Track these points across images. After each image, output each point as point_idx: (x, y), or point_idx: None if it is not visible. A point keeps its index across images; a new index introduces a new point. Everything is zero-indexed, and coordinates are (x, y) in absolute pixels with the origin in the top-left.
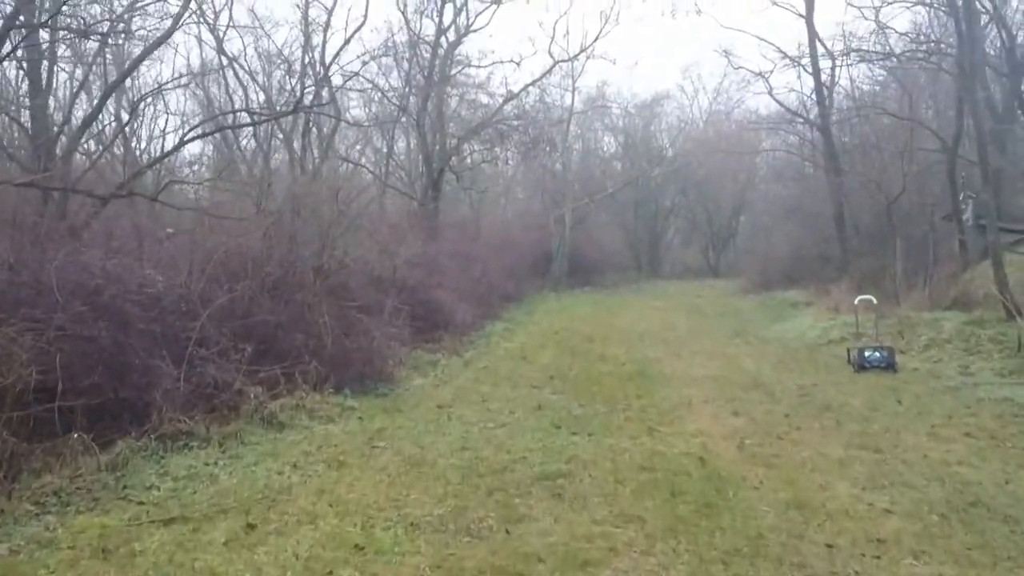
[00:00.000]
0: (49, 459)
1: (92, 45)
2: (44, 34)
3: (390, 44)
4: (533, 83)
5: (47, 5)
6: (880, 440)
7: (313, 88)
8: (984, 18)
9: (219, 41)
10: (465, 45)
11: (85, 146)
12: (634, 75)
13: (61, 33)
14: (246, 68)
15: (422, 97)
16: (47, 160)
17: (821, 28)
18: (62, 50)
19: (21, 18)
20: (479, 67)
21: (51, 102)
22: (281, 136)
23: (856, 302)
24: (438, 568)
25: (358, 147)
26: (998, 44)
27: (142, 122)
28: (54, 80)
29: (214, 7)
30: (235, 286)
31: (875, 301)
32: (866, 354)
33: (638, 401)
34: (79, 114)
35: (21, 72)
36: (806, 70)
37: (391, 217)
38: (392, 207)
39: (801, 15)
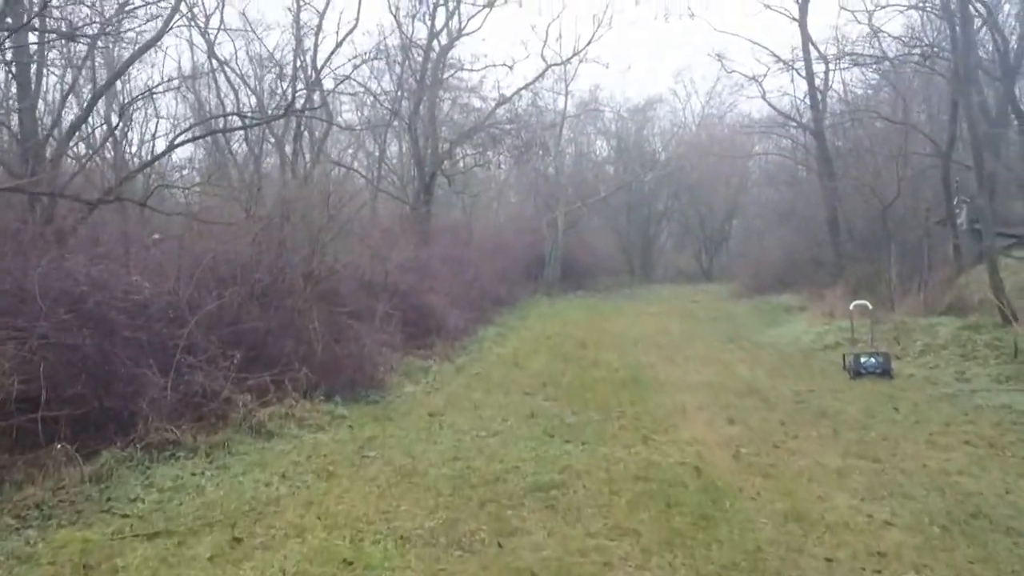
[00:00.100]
0: (31, 470)
1: (82, 48)
2: (33, 37)
3: (382, 47)
4: (526, 87)
5: (36, 8)
6: (878, 449)
7: (304, 92)
8: (977, 22)
9: (210, 45)
10: (457, 49)
11: (74, 150)
12: (627, 79)
13: (49, 36)
14: (237, 72)
15: (414, 101)
16: (35, 164)
17: (814, 32)
18: (52, 54)
19: (8, 20)
20: (471, 71)
21: (41, 106)
22: (273, 140)
23: (851, 307)
24: None
25: (350, 151)
26: (991, 48)
27: (132, 126)
28: (43, 83)
29: (205, 10)
30: (224, 292)
31: (870, 306)
32: (862, 360)
33: (632, 408)
34: (69, 118)
35: (9, 75)
36: (799, 74)
37: (383, 221)
38: (384, 211)
39: (794, 19)
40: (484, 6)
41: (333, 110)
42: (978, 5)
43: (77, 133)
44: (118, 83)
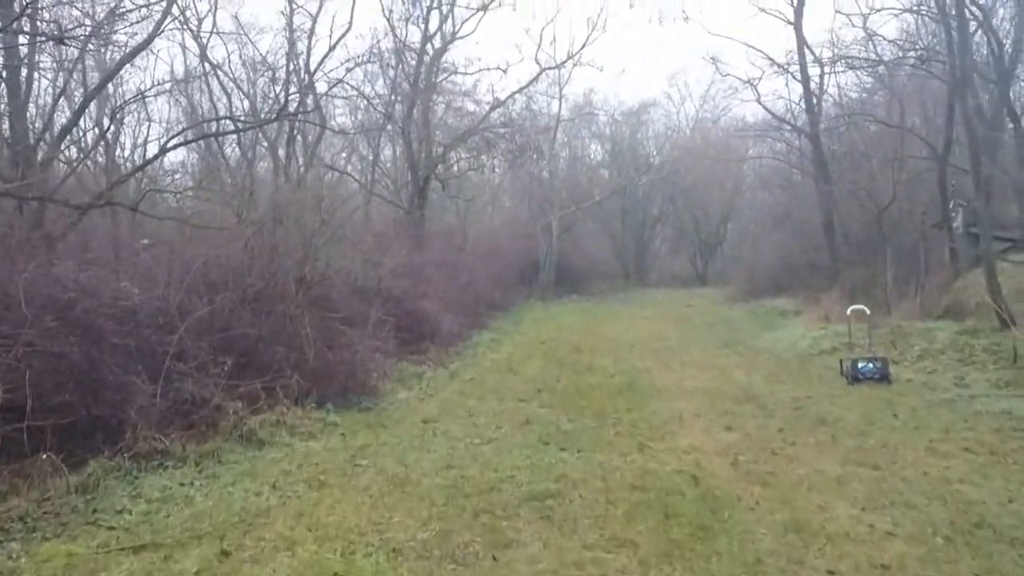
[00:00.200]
0: (16, 481)
1: (73, 52)
2: (23, 40)
3: (375, 51)
4: (520, 90)
5: (24, 11)
6: (878, 456)
7: (298, 95)
8: (972, 25)
9: (203, 48)
10: (451, 52)
11: (65, 154)
12: (621, 83)
13: (38, 38)
14: (230, 75)
15: (408, 104)
16: (25, 168)
17: (809, 36)
18: (44, 57)
19: None
20: (465, 74)
21: (33, 109)
22: (266, 144)
23: (849, 312)
24: None
25: (343, 155)
26: (985, 51)
27: (124, 130)
28: (35, 87)
29: (197, 14)
30: (215, 298)
31: (868, 311)
32: (859, 365)
33: (628, 415)
34: (61, 121)
35: None
36: (795, 77)
37: (376, 226)
38: (378, 216)
39: (789, 22)
40: (477, 9)
41: (327, 114)
42: (973, 8)
43: (68, 137)
44: (111, 87)
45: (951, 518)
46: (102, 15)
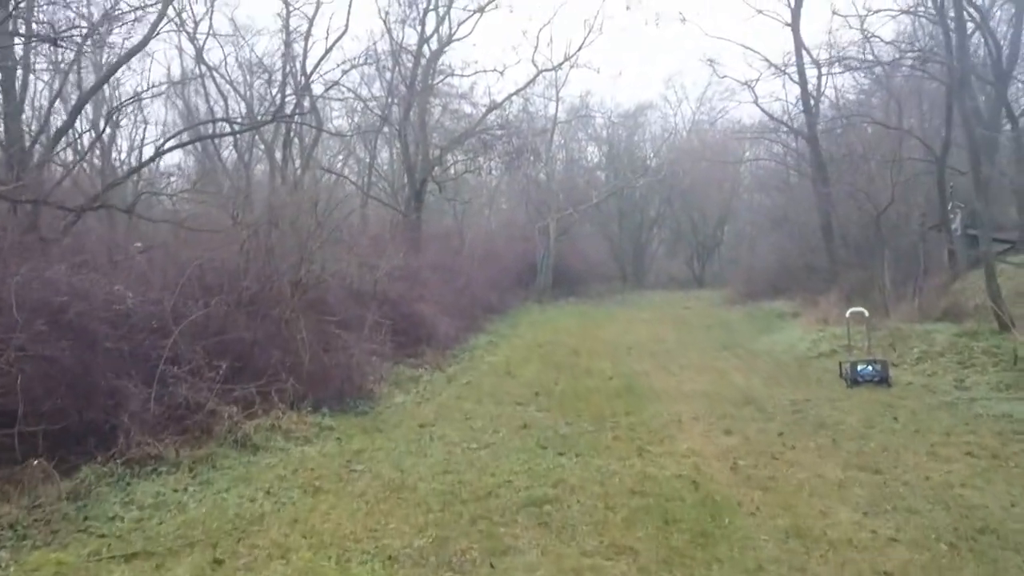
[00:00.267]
0: (7, 488)
1: (69, 54)
2: (18, 41)
3: (372, 53)
4: (517, 92)
5: (23, 14)
6: (879, 460)
7: (294, 97)
8: (969, 27)
9: (199, 51)
10: (448, 55)
11: (62, 157)
12: (618, 85)
13: (33, 40)
14: (226, 78)
15: (404, 107)
16: (20, 170)
17: (807, 37)
18: (40, 60)
19: None
20: (462, 76)
21: (29, 112)
22: (263, 147)
23: (848, 314)
24: None
25: (340, 158)
26: (982, 53)
27: (121, 133)
28: (32, 89)
29: (193, 16)
30: (210, 301)
31: (867, 314)
32: (859, 368)
33: (626, 419)
34: (58, 124)
35: None
36: (792, 79)
37: (373, 229)
38: (375, 218)
39: (787, 24)
40: (474, 11)
41: (324, 117)
42: (971, 10)
43: (64, 139)
44: (107, 90)
45: (954, 523)
46: (97, 17)
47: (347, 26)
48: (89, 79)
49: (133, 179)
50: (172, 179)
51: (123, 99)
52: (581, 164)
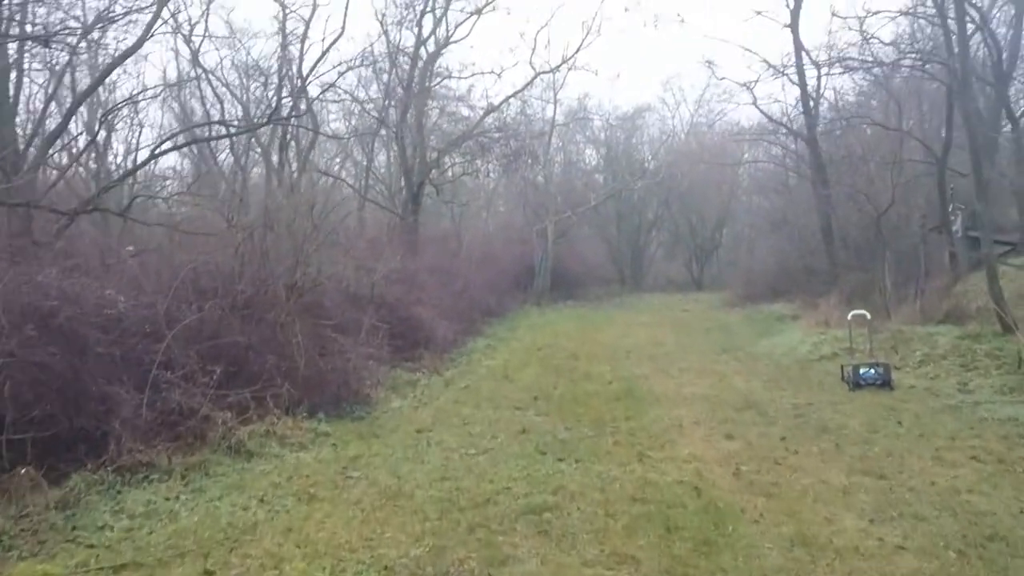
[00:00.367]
0: None
1: (63, 56)
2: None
3: (368, 55)
4: (514, 95)
5: (17, 16)
6: (883, 465)
7: (290, 99)
8: (969, 27)
9: (195, 54)
10: (445, 58)
11: (56, 159)
12: (615, 87)
13: (27, 42)
14: (223, 80)
15: (401, 109)
16: (13, 173)
17: (806, 39)
18: (38, 65)
19: None
20: (460, 78)
21: (24, 115)
22: (259, 150)
23: (850, 317)
24: None
25: (337, 161)
26: (982, 54)
27: (116, 136)
28: (26, 92)
29: (189, 19)
30: (204, 305)
31: (869, 316)
32: (861, 371)
33: (626, 423)
34: (52, 127)
35: None
36: (791, 80)
37: (370, 232)
38: (372, 221)
39: (786, 25)
40: (471, 13)
41: (321, 120)
42: (971, 11)
43: (59, 142)
44: (103, 93)
45: (962, 531)
46: (91, 19)
47: (344, 28)
48: (84, 82)
49: (128, 183)
50: (167, 183)
51: (119, 102)
52: (579, 167)
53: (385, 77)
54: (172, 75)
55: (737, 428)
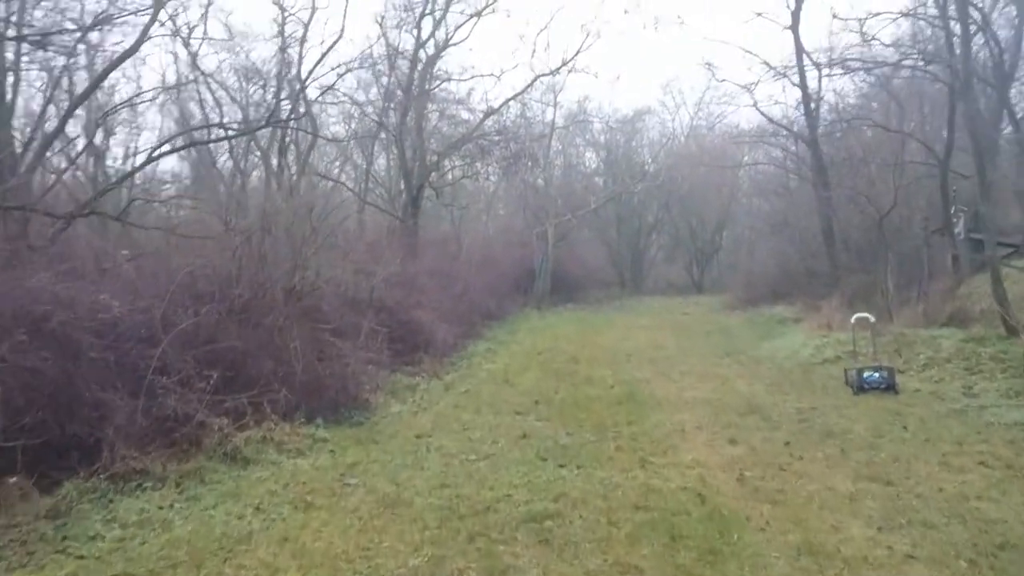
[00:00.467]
0: None
1: (61, 59)
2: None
3: (367, 56)
4: (514, 97)
5: (14, 18)
6: (890, 471)
7: (289, 102)
8: (971, 28)
9: (194, 57)
10: (445, 60)
11: (55, 163)
12: (615, 90)
13: (23, 45)
14: (222, 84)
15: (401, 112)
16: (10, 176)
17: (806, 42)
18: (34, 67)
19: None
20: (460, 80)
21: (24, 119)
22: (259, 153)
23: (853, 320)
24: None
25: (337, 164)
26: (984, 55)
27: (114, 140)
28: (25, 95)
29: (188, 22)
30: (200, 309)
31: (873, 319)
32: (865, 375)
33: (628, 428)
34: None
35: None
36: (792, 82)
37: (370, 235)
38: (372, 225)
39: (787, 27)
40: (471, 15)
41: (321, 123)
42: (972, 12)
43: (56, 144)
44: (102, 98)
45: (973, 539)
46: (88, 24)
47: (343, 31)
48: (83, 86)
49: (127, 186)
50: (166, 187)
51: (116, 105)
52: (579, 169)
53: (384, 80)
54: (171, 79)
55: (740, 433)
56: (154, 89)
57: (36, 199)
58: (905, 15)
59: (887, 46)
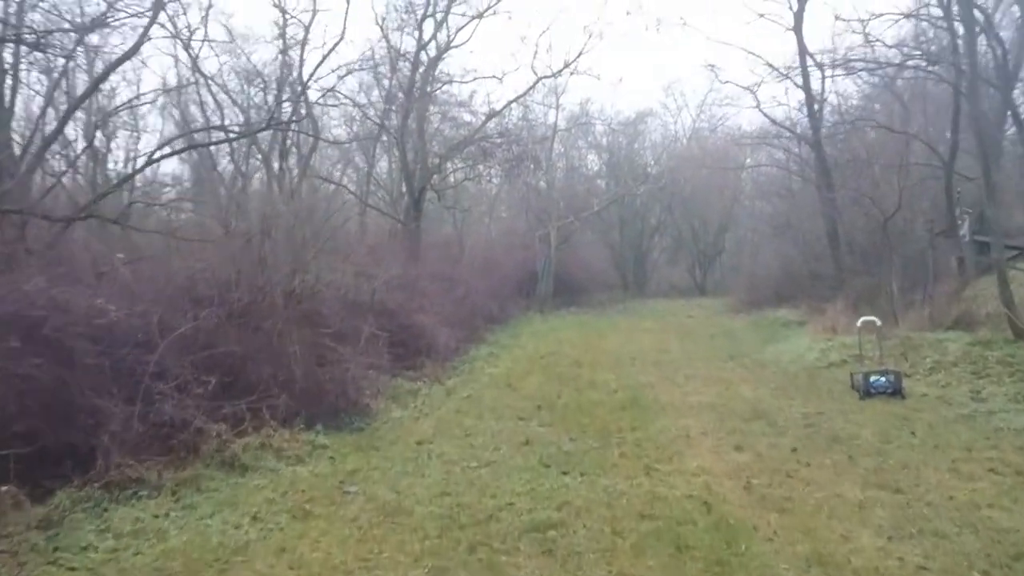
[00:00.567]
0: None
1: (60, 62)
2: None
3: (368, 59)
4: (516, 99)
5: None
6: (899, 478)
7: (291, 105)
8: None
9: (195, 60)
10: (447, 62)
11: (54, 166)
12: (617, 92)
13: (21, 47)
14: (223, 87)
15: (402, 114)
16: (7, 179)
17: (809, 43)
18: (34, 70)
19: None
20: (462, 83)
21: (24, 122)
22: (260, 156)
23: (859, 324)
24: None
25: (339, 167)
26: (987, 56)
27: (115, 144)
28: (24, 98)
29: (188, 25)
30: (199, 314)
31: (879, 323)
32: (872, 379)
33: (632, 434)
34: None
35: None
36: (795, 83)
37: (371, 238)
38: (373, 227)
39: (789, 28)
40: (472, 17)
41: (323, 126)
42: (976, 12)
43: (56, 147)
44: (106, 102)
45: (986, 549)
46: (86, 26)
47: (344, 33)
48: (83, 88)
49: (127, 189)
50: (167, 190)
51: (116, 107)
52: (581, 172)
53: (386, 82)
54: (172, 82)
55: (746, 439)
56: (154, 91)
57: (35, 202)
58: (908, 16)
59: (890, 47)
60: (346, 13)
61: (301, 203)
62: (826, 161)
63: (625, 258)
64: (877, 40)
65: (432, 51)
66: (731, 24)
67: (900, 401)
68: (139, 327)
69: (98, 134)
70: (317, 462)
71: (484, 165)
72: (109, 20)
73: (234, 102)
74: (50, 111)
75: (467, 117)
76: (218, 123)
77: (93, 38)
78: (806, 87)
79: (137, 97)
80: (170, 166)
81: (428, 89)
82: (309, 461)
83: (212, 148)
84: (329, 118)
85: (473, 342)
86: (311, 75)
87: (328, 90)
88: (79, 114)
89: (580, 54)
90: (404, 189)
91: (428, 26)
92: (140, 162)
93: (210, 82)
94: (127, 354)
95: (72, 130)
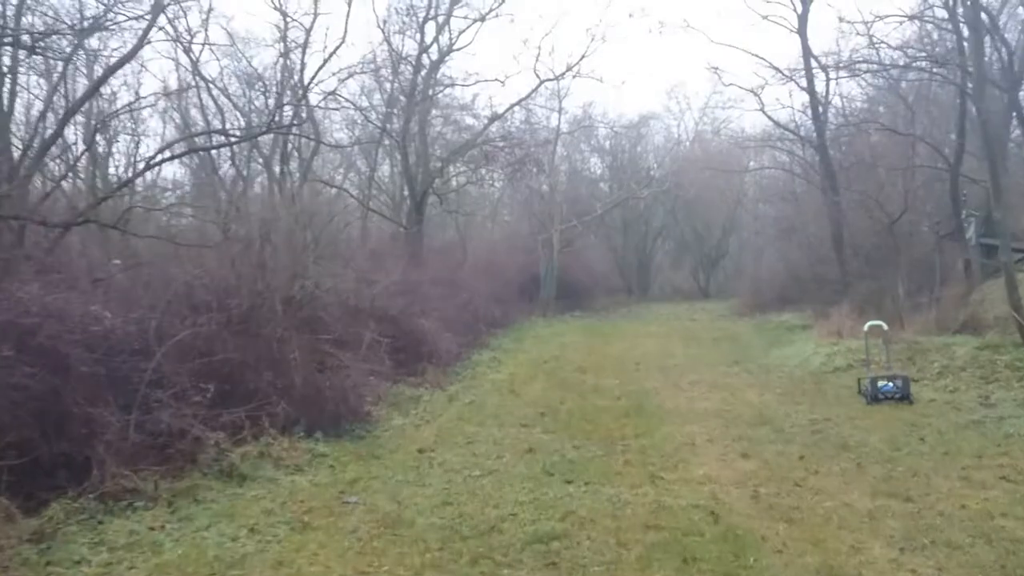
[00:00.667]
0: None
1: (58, 65)
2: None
3: (369, 61)
4: (519, 103)
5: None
6: (909, 486)
7: (292, 108)
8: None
9: (195, 63)
10: (448, 66)
11: (53, 170)
12: (620, 95)
13: (19, 50)
14: (223, 90)
15: (404, 118)
16: (5, 184)
17: (813, 46)
18: (33, 74)
19: None
20: (464, 86)
21: (23, 127)
22: (261, 160)
23: (866, 328)
24: None
25: (340, 171)
26: (992, 58)
27: (115, 148)
28: (24, 102)
29: (189, 28)
30: (197, 320)
31: (885, 327)
32: (879, 384)
33: (637, 441)
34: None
35: None
36: (799, 85)
37: (373, 242)
38: (375, 232)
39: (793, 30)
40: (474, 20)
41: (324, 129)
42: (982, 14)
43: (54, 151)
44: (106, 106)
45: (1001, 560)
46: (85, 28)
47: (345, 36)
48: (82, 92)
49: (127, 194)
50: (168, 194)
51: (115, 111)
52: (584, 175)
53: (388, 85)
54: (173, 85)
55: (753, 446)
56: (154, 94)
57: (33, 207)
58: (912, 18)
59: (894, 49)
60: (347, 16)
61: (302, 207)
62: (830, 164)
63: (628, 262)
64: (881, 42)
65: (434, 54)
66: (735, 26)
67: (908, 406)
68: (136, 334)
69: (98, 138)
70: (317, 471)
71: (486, 169)
72: (108, 23)
73: (235, 106)
74: (49, 115)
75: (469, 120)
76: (219, 127)
77: (92, 41)
78: (810, 89)
79: (137, 101)
80: (170, 170)
81: (430, 92)
82: (308, 470)
83: (213, 152)
84: (331, 122)
85: (475, 347)
86: (312, 78)
87: (329, 93)
88: (79, 118)
89: (583, 57)
90: (406, 193)
91: (430, 29)
92: (140, 166)
93: (211, 86)
94: (123, 362)
95: (71, 134)
